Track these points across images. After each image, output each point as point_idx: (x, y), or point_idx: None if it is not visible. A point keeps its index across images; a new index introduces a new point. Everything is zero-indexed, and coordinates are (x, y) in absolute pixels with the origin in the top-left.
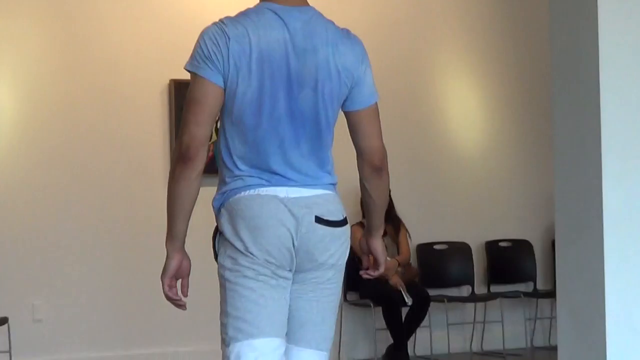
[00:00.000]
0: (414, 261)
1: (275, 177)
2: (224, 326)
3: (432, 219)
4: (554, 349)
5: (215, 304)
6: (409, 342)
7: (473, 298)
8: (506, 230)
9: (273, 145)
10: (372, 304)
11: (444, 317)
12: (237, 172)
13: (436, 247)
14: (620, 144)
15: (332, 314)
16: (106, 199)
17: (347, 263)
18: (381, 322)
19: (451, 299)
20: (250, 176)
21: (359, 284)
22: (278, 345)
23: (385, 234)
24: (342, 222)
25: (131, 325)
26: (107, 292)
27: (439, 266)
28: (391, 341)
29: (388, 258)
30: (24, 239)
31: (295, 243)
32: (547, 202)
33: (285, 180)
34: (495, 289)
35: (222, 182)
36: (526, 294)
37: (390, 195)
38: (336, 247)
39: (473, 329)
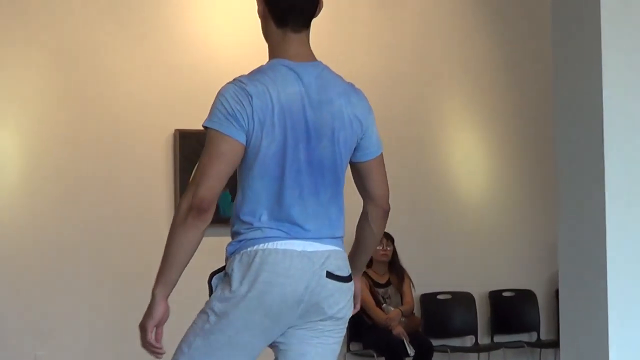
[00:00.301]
0: (417, 311)
1: (295, 229)
2: (182, 354)
3: (435, 269)
4: None
5: None
6: None
7: (476, 348)
8: (509, 280)
9: (294, 196)
10: (375, 354)
11: None
12: (256, 224)
13: (440, 296)
14: (624, 193)
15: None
16: (110, 249)
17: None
18: None
19: (454, 349)
20: (270, 228)
21: (362, 334)
22: None
23: (388, 283)
24: (349, 278)
25: None
26: (111, 343)
27: (443, 316)
28: None
29: (391, 308)
30: (27, 289)
31: (305, 298)
32: (551, 251)
33: (304, 232)
34: (498, 339)
35: (238, 234)
36: (529, 344)
37: (394, 245)
38: (345, 302)
39: None
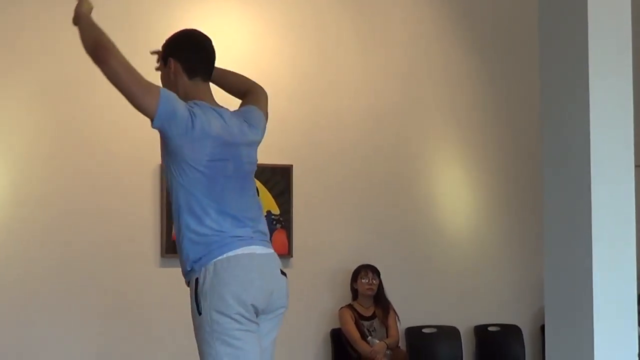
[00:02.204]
0: (402, 344)
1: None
2: None
3: (421, 303)
4: None
5: None
6: None
7: None
8: (495, 315)
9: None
10: None
11: None
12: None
13: (425, 330)
14: (610, 231)
15: None
16: (98, 278)
17: (335, 346)
18: None
19: None
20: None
21: None
22: None
23: (374, 316)
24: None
25: None
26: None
27: (428, 350)
28: None
29: (376, 340)
30: (11, 319)
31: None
32: (536, 287)
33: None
34: None
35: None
36: None
37: (380, 278)
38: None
39: None
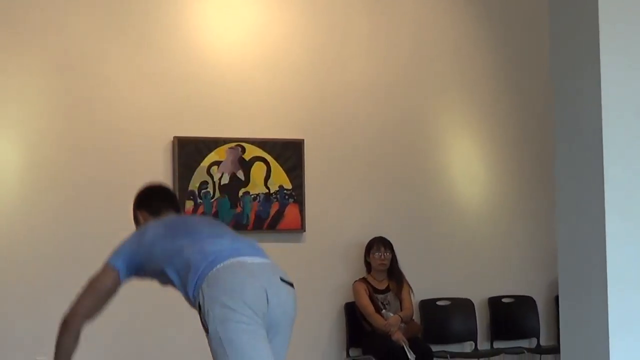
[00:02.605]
0: (417, 317)
1: None
2: None
3: (435, 275)
4: None
5: None
6: None
7: (476, 354)
8: (509, 287)
9: None
10: None
11: None
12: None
13: (439, 303)
14: (624, 199)
15: None
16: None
17: (349, 319)
18: None
19: (454, 355)
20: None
21: (362, 340)
22: None
23: (388, 289)
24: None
25: None
26: (112, 350)
27: (442, 322)
28: None
29: (391, 314)
30: (28, 295)
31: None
32: (550, 257)
33: None
34: (498, 344)
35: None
36: (529, 350)
37: (393, 251)
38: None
39: None
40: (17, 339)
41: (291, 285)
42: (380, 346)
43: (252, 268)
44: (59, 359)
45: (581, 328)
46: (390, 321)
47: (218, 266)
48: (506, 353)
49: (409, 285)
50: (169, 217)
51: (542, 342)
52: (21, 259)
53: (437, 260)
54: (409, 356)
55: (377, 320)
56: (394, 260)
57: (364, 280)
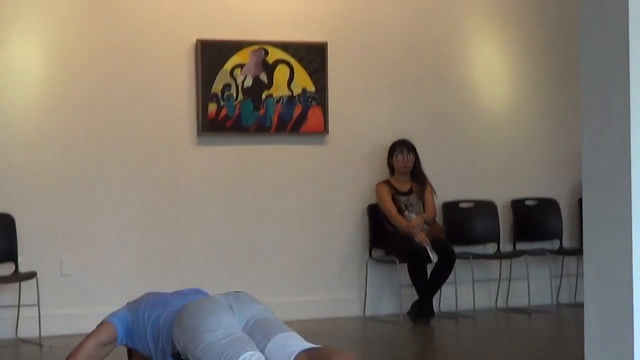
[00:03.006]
0: (439, 219)
1: None
2: None
3: (458, 177)
4: (579, 305)
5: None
6: (434, 298)
7: (499, 255)
8: (532, 189)
9: None
10: (397, 261)
11: (469, 274)
12: None
13: (462, 205)
14: None
15: None
16: (132, 156)
17: (372, 221)
18: (406, 279)
19: (477, 256)
20: None
21: (384, 241)
22: None
23: (411, 191)
24: None
25: (159, 279)
26: (135, 247)
27: (465, 224)
28: (416, 297)
29: (413, 215)
30: (52, 194)
31: None
32: (574, 160)
33: None
34: (520, 246)
35: None
36: (552, 252)
37: (416, 153)
38: None
39: (498, 286)
40: (43, 237)
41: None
42: (402, 247)
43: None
44: None
45: (604, 229)
46: (413, 222)
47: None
48: (529, 254)
49: (431, 187)
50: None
51: (565, 244)
52: (44, 158)
53: (461, 163)
54: (432, 257)
55: (400, 221)
56: (417, 162)
57: (386, 182)
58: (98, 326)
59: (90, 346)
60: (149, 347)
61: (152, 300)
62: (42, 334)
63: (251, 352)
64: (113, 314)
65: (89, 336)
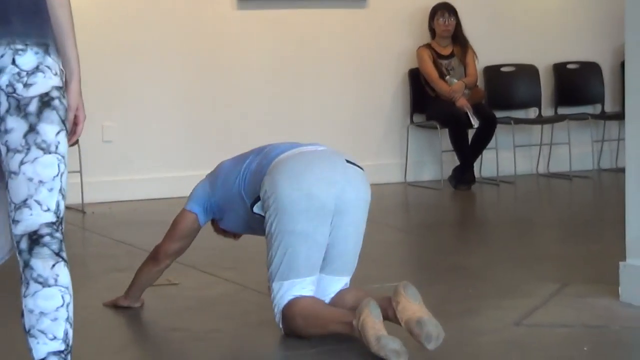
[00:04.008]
0: (480, 84)
1: None
2: None
3: (499, 41)
4: (621, 170)
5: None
6: (475, 164)
7: (540, 120)
8: (574, 52)
9: None
10: (438, 126)
11: (510, 139)
12: None
13: (503, 69)
14: None
15: None
16: (173, 20)
17: (412, 84)
18: (447, 144)
19: (518, 121)
20: None
21: (425, 106)
22: None
23: (452, 55)
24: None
25: (200, 146)
26: (177, 115)
27: (506, 88)
28: (457, 163)
29: (455, 80)
30: (95, 61)
31: None
32: (617, 22)
33: None
34: (562, 111)
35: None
36: (594, 116)
37: (457, 17)
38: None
39: (540, 151)
40: (86, 103)
41: (359, 167)
42: (444, 112)
43: (313, 157)
44: (137, 284)
45: None
46: (454, 87)
47: (280, 157)
48: (570, 119)
49: (473, 51)
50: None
51: (607, 109)
52: (90, 24)
53: (502, 26)
54: (473, 122)
55: (441, 86)
56: (458, 25)
57: (428, 46)
58: (178, 217)
59: (174, 246)
60: (233, 217)
61: (230, 164)
62: (85, 200)
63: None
64: (191, 198)
65: (170, 232)
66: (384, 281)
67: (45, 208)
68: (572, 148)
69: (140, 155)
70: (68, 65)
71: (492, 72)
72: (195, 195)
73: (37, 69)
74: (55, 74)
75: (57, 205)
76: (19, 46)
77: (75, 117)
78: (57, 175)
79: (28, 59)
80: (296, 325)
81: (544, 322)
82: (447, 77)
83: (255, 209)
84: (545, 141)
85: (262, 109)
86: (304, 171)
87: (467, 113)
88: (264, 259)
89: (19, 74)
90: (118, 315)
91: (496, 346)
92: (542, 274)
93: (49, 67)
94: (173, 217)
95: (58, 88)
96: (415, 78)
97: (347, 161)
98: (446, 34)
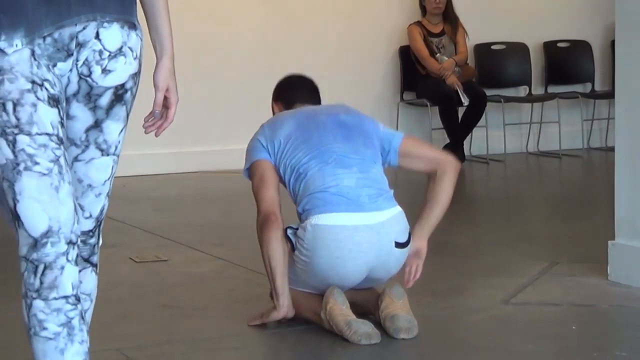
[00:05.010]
0: (471, 61)
1: None
2: None
3: (490, 19)
4: (610, 149)
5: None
6: (465, 142)
7: (530, 98)
8: (564, 31)
9: None
10: (428, 104)
11: (500, 117)
12: None
13: (494, 47)
14: None
15: None
16: None
17: (403, 62)
18: (437, 122)
19: (508, 99)
20: None
21: (416, 84)
22: None
23: (443, 32)
24: None
25: (188, 123)
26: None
27: (496, 66)
28: (447, 140)
29: (445, 57)
30: None
31: None
32: (607, 1)
33: None
34: (552, 89)
35: None
36: (584, 95)
37: None
38: None
39: (529, 129)
40: None
41: (406, 244)
42: (434, 90)
43: (359, 241)
44: (274, 273)
45: (636, 72)
46: (444, 65)
47: (323, 222)
48: (560, 97)
49: (463, 28)
50: (302, 112)
51: (597, 87)
52: None
53: (493, 4)
54: (463, 100)
55: (431, 63)
56: (449, 3)
57: (418, 23)
58: (255, 170)
59: (273, 194)
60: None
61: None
62: None
63: None
64: (254, 148)
65: (262, 186)
66: None
67: (88, 214)
68: (562, 126)
69: (128, 131)
70: (160, 41)
71: (483, 50)
72: (252, 148)
73: (120, 50)
74: (136, 58)
75: (101, 211)
76: (105, 19)
77: (166, 99)
78: (109, 178)
79: (113, 34)
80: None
81: (532, 301)
82: (438, 54)
83: (289, 232)
84: (535, 119)
85: (251, 85)
86: (333, 276)
87: (457, 91)
88: (253, 236)
89: (100, 53)
90: (105, 292)
91: (484, 324)
92: (531, 252)
93: (131, 49)
94: (162, 192)
95: (134, 76)
96: (406, 56)
97: (396, 244)
98: (437, 11)
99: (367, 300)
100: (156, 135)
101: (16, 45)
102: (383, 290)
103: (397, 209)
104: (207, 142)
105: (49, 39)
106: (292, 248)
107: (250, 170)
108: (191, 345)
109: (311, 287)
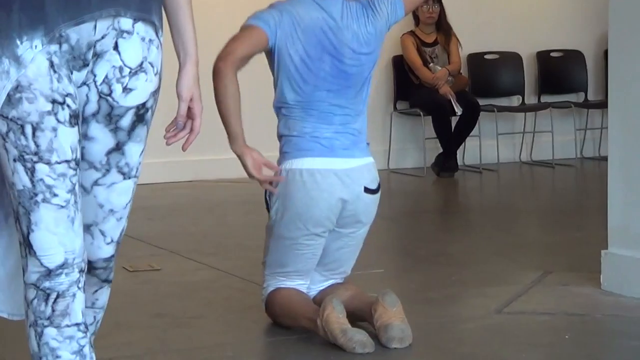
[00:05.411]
0: (464, 71)
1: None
2: None
3: (483, 28)
4: (603, 159)
5: None
6: (458, 151)
7: (523, 108)
8: (558, 40)
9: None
10: (421, 113)
11: (493, 127)
12: None
13: (487, 56)
14: None
15: None
16: None
17: (396, 72)
18: (431, 131)
19: (501, 109)
20: None
21: (409, 93)
22: None
23: (436, 42)
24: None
25: None
26: None
27: (490, 76)
28: (440, 150)
29: (438, 67)
30: None
31: None
32: (600, 11)
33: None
34: (545, 99)
35: None
36: (577, 105)
37: (441, 4)
38: None
39: (523, 139)
40: None
41: (375, 191)
42: (427, 99)
43: (331, 182)
44: (227, 114)
45: (629, 81)
46: (437, 74)
47: (304, 166)
48: (554, 107)
49: (457, 38)
50: (321, 30)
51: (590, 97)
52: None
53: (486, 13)
54: (456, 109)
55: (424, 73)
56: (442, 13)
57: (411, 33)
58: (245, 29)
59: (242, 50)
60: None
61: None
62: None
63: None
64: (258, 16)
65: (238, 39)
66: (366, 268)
67: (109, 240)
68: (555, 136)
69: None
70: (183, 44)
71: (476, 60)
72: (260, 14)
73: (140, 67)
74: (156, 74)
75: (121, 233)
76: (125, 25)
77: (190, 110)
78: (129, 201)
79: (133, 47)
80: (274, 313)
81: (525, 310)
82: (431, 64)
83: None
84: (528, 129)
85: (247, 94)
86: (311, 212)
87: (450, 100)
88: (247, 245)
89: (120, 70)
90: None
91: (478, 333)
92: (524, 261)
93: (152, 65)
94: (156, 201)
95: (154, 93)
96: (399, 65)
97: (366, 189)
98: (430, 21)
99: (362, 310)
100: (183, 149)
101: (35, 47)
102: (376, 298)
103: (370, 159)
104: (202, 151)
105: (65, 46)
106: (267, 208)
107: (241, 29)
108: (185, 354)
109: (287, 254)
